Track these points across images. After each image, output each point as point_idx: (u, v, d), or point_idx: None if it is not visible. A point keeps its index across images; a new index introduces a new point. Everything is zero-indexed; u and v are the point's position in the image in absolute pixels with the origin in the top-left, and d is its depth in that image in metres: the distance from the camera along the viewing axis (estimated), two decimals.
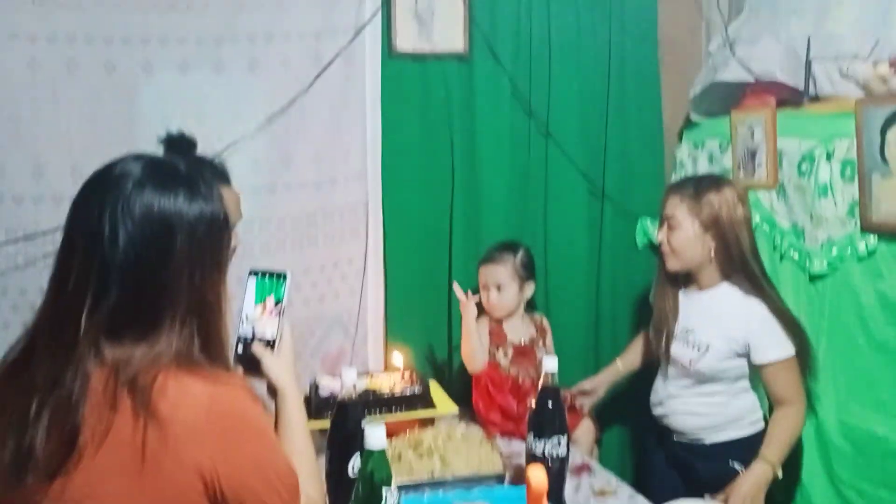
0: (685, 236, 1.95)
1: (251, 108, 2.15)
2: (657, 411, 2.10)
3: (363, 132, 2.30)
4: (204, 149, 1.88)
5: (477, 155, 2.40)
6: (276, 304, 1.21)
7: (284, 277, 1.22)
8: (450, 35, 2.33)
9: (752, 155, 2.20)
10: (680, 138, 2.59)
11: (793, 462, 2.03)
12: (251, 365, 1.20)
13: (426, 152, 2.38)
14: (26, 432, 0.91)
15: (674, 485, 1.93)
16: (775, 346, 1.89)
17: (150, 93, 2.08)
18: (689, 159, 2.50)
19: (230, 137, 2.12)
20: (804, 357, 1.93)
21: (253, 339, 1.21)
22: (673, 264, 2.00)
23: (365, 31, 2.24)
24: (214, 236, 1.03)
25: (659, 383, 2.12)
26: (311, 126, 2.23)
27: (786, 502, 2.10)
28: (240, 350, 1.21)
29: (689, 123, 2.55)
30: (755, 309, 1.90)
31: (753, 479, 1.82)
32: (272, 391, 1.21)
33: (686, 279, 2.06)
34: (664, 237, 2.00)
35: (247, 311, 1.22)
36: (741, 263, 1.93)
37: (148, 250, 0.96)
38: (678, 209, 1.96)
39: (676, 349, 2.01)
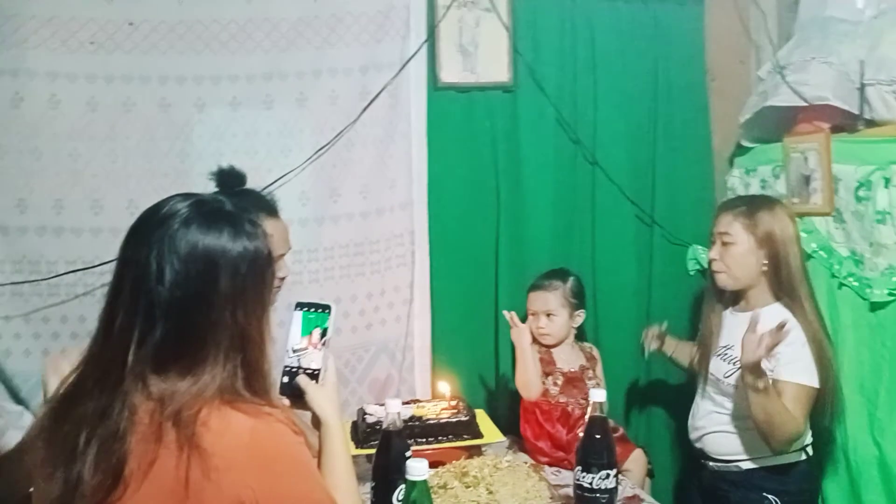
0: (740, 252, 1.96)
1: (300, 141, 2.21)
2: (694, 435, 2.07)
3: (409, 163, 2.33)
4: (255, 182, 1.94)
5: (522, 184, 2.41)
6: (321, 336, 1.24)
7: (329, 310, 1.25)
8: (494, 66, 2.36)
9: (807, 181, 2.16)
10: (731, 164, 2.55)
11: (854, 494, 1.98)
12: (296, 396, 1.22)
13: (471, 182, 2.39)
14: (75, 463, 0.94)
15: None
16: (797, 369, 1.84)
17: (203, 129, 2.16)
18: (741, 185, 2.46)
19: (280, 171, 2.18)
20: (827, 397, 1.88)
21: (298, 370, 1.23)
22: (725, 281, 2.00)
23: (410, 64, 2.29)
24: (257, 273, 1.05)
25: (697, 403, 2.08)
26: (357, 158, 2.27)
27: None
28: (285, 381, 1.23)
29: (740, 149, 2.50)
30: (794, 329, 1.85)
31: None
32: (316, 422, 1.22)
33: (734, 299, 2.05)
34: (717, 254, 2.00)
35: (292, 344, 1.24)
36: (789, 283, 1.92)
37: (193, 287, 0.99)
38: (732, 226, 1.97)
39: (714, 364, 2.01)
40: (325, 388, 1.22)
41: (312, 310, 1.25)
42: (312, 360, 1.22)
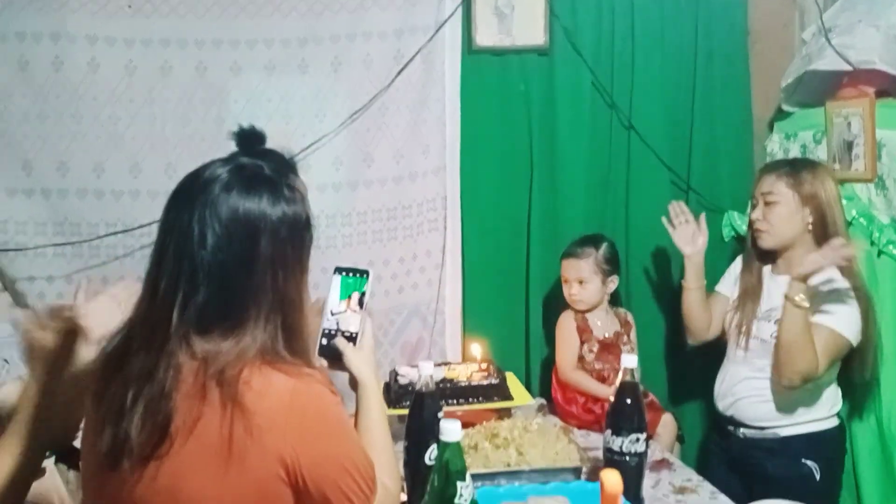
0: (785, 210, 1.96)
1: (334, 106, 2.22)
2: (722, 401, 2.06)
3: (442, 128, 2.32)
4: (289, 146, 1.94)
5: (557, 149, 2.39)
6: (359, 299, 1.26)
7: (367, 275, 1.28)
8: (530, 29, 2.33)
9: (849, 147, 2.11)
10: (770, 129, 2.50)
11: (887, 464, 1.97)
12: (334, 357, 1.25)
13: (505, 147, 2.38)
14: (122, 421, 0.98)
15: (734, 491, 1.81)
16: (837, 318, 1.85)
17: (239, 93, 2.17)
18: (781, 150, 2.41)
19: (314, 135, 2.19)
20: (864, 354, 1.89)
21: (336, 332, 1.26)
22: (768, 242, 2.00)
23: (445, 27, 2.27)
24: (296, 236, 1.07)
25: (728, 371, 2.07)
26: (391, 123, 2.27)
27: None
28: (324, 343, 1.26)
29: (780, 114, 2.45)
30: (840, 281, 1.87)
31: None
32: (353, 383, 1.25)
33: (775, 262, 2.04)
34: (761, 214, 2.00)
35: (331, 307, 1.27)
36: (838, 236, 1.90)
37: (234, 251, 1.01)
38: (776, 185, 1.97)
39: (759, 327, 2.00)
40: (363, 350, 1.25)
41: (351, 274, 1.28)
42: (350, 323, 1.25)
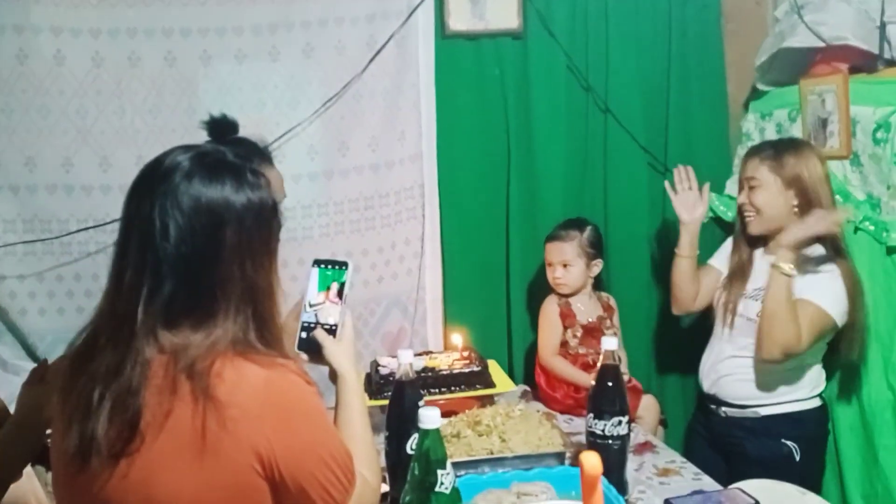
0: (769, 194, 1.96)
1: (307, 94, 2.19)
2: (708, 380, 2.07)
3: (418, 115, 2.30)
4: (262, 136, 1.91)
5: (533, 134, 2.37)
6: (338, 292, 1.24)
7: (346, 266, 1.26)
8: (503, 13, 2.30)
9: (824, 124, 2.12)
10: (746, 109, 2.50)
11: (867, 439, 1.99)
12: (314, 351, 1.23)
13: (481, 132, 2.36)
14: (90, 419, 0.95)
15: (717, 469, 1.83)
16: (824, 296, 1.86)
17: (209, 83, 2.14)
18: (756, 130, 2.41)
19: (287, 124, 2.16)
20: (851, 335, 1.90)
21: (315, 325, 1.24)
22: (756, 227, 2.01)
23: (418, 12, 2.24)
24: (263, 224, 1.04)
25: (714, 347, 2.08)
26: (366, 110, 2.24)
27: (864, 485, 2.04)
28: (303, 336, 1.24)
29: (755, 93, 2.45)
30: (828, 265, 1.89)
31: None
32: (333, 376, 1.23)
33: (765, 243, 2.04)
34: (745, 198, 2.00)
35: (309, 299, 1.25)
36: None
37: (198, 242, 0.98)
38: (759, 170, 1.97)
39: (745, 305, 2.00)
40: (343, 342, 1.22)
41: (329, 266, 1.26)
42: (330, 315, 1.23)
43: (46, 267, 2.13)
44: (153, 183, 1.00)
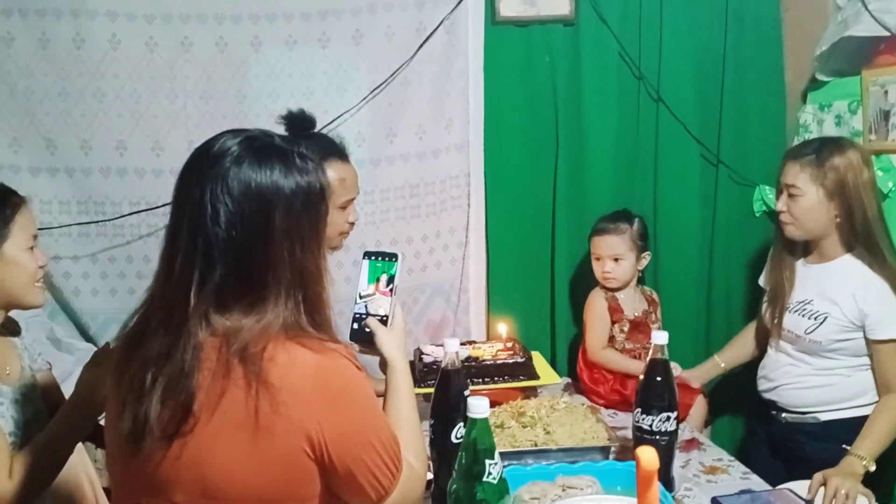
0: (809, 204, 1.85)
1: (355, 80, 2.19)
2: (765, 385, 2.02)
3: (466, 102, 2.28)
4: (339, 132, 1.92)
5: (583, 123, 2.34)
6: (389, 283, 1.27)
7: (396, 258, 1.28)
8: None
9: (886, 116, 2.04)
10: (804, 99, 2.42)
11: None
12: (365, 341, 1.25)
13: (530, 121, 2.33)
14: (142, 402, 0.97)
15: (778, 474, 1.79)
16: (892, 324, 1.78)
17: (259, 69, 2.15)
18: (814, 122, 2.34)
19: (336, 111, 2.17)
20: None
21: (366, 316, 1.26)
22: (793, 233, 1.92)
23: None
24: (312, 208, 1.04)
25: (770, 357, 2.03)
26: (413, 97, 2.24)
27: None
28: (354, 327, 1.26)
29: (814, 83, 2.37)
30: (876, 282, 1.80)
31: (842, 473, 1.67)
32: (383, 365, 1.24)
33: (805, 249, 1.97)
34: (785, 206, 1.90)
35: (361, 290, 1.28)
36: (865, 232, 1.82)
37: (248, 226, 0.99)
38: (799, 177, 1.85)
39: (791, 321, 1.93)
40: (393, 331, 1.25)
41: (379, 258, 1.29)
42: (380, 307, 1.26)
43: (99, 248, 2.17)
44: (203, 168, 1.00)
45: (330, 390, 0.98)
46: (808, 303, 1.90)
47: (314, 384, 0.97)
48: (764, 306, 2.06)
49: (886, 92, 2.03)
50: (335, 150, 1.72)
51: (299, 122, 1.66)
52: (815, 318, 1.87)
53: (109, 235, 2.16)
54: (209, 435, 0.96)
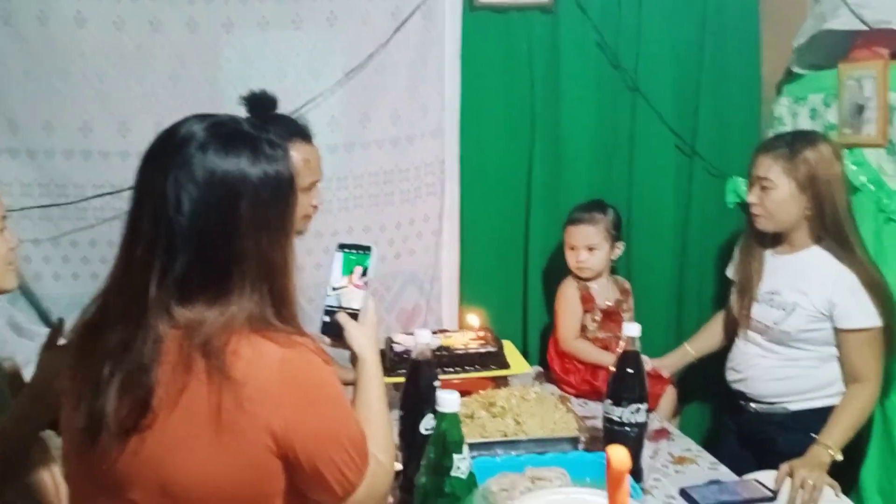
0: (781, 197, 1.88)
1: (329, 64, 2.14)
2: (733, 376, 2.04)
3: (442, 88, 2.25)
4: (283, 107, 1.87)
5: (560, 111, 2.32)
6: (362, 275, 1.24)
7: (370, 250, 1.25)
8: None
9: (860, 110, 2.05)
10: (779, 92, 2.42)
11: (886, 432, 1.96)
12: (336, 334, 1.22)
13: (506, 109, 2.31)
14: (99, 398, 0.93)
15: (746, 464, 1.81)
16: (860, 314, 1.81)
17: (231, 51, 2.10)
18: (789, 115, 2.34)
19: (309, 94, 2.12)
20: (890, 335, 1.84)
21: (338, 309, 1.23)
22: (765, 225, 1.94)
23: None
24: (280, 197, 1.01)
25: (738, 348, 2.05)
26: (389, 82, 2.20)
27: (881, 479, 2.00)
28: (326, 320, 1.24)
29: (790, 76, 2.37)
30: (844, 274, 1.83)
31: (809, 463, 1.70)
32: (354, 360, 1.22)
33: (774, 241, 1.99)
34: (757, 198, 1.92)
35: (333, 282, 1.25)
36: (834, 225, 1.86)
37: (213, 216, 0.95)
38: (771, 170, 1.88)
39: (759, 311, 1.96)
40: (365, 326, 1.22)
41: (353, 250, 1.26)
42: (353, 300, 1.23)
43: (62, 232, 2.12)
44: (167, 153, 0.97)
45: (296, 385, 0.95)
46: (777, 293, 1.92)
47: (280, 379, 0.94)
48: (732, 297, 2.08)
49: (862, 86, 2.04)
50: (298, 131, 1.68)
51: (261, 103, 1.61)
52: (784, 309, 1.90)
53: (72, 219, 2.10)
54: (169, 431, 0.93)
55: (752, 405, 1.99)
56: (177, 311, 0.95)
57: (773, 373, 1.94)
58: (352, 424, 1.02)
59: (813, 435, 1.79)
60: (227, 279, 0.96)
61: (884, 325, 1.83)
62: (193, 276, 0.95)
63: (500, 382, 1.96)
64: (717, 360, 2.15)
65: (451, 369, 1.91)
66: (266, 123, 1.11)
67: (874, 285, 1.82)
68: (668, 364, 2.17)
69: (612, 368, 1.56)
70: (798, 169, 1.85)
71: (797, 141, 1.89)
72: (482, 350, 1.96)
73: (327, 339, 1.24)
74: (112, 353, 0.94)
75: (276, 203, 1.00)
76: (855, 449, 1.89)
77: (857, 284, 1.82)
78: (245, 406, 0.92)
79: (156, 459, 0.93)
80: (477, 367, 1.94)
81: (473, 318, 2.13)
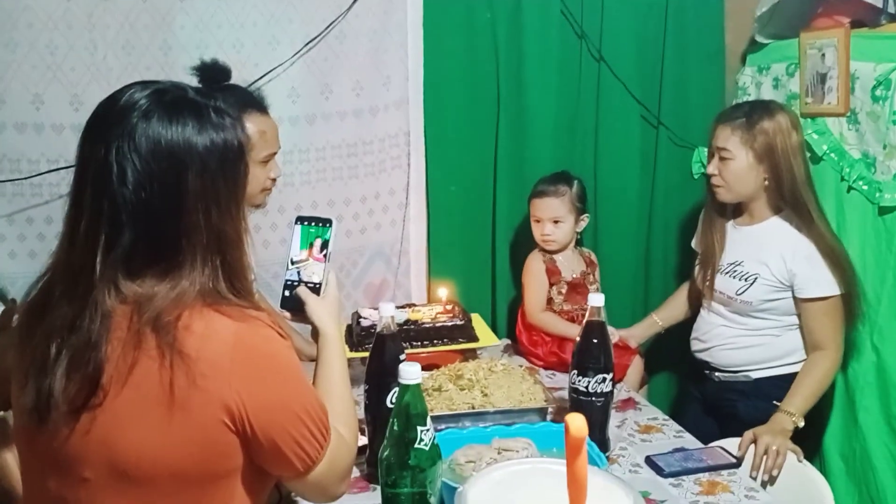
0: (739, 168, 1.89)
1: (288, 33, 2.09)
2: (698, 346, 2.06)
3: (405, 58, 2.22)
4: (241, 78, 1.83)
5: (524, 81, 2.29)
6: (322, 248, 1.22)
7: (330, 224, 1.23)
8: None
9: (822, 79, 2.06)
10: (743, 62, 2.43)
11: (849, 399, 2.00)
12: (297, 309, 1.21)
13: (470, 79, 2.28)
14: (47, 376, 0.91)
15: (710, 432, 1.84)
16: (819, 283, 1.84)
17: (186, 18, 2.03)
18: (753, 84, 2.35)
19: (268, 65, 2.07)
20: (851, 302, 1.87)
21: (298, 283, 1.22)
22: (725, 196, 1.96)
23: None
24: (228, 167, 0.97)
25: (703, 318, 2.07)
26: (350, 52, 2.15)
27: (842, 444, 2.04)
28: (286, 294, 1.22)
29: (753, 45, 2.38)
30: (803, 244, 1.85)
31: (772, 430, 1.73)
32: (315, 334, 1.20)
33: (735, 212, 2.01)
34: (716, 169, 1.93)
35: (293, 256, 1.23)
36: (793, 195, 1.87)
37: (158, 187, 0.92)
38: (730, 140, 1.89)
39: (722, 283, 1.98)
40: (326, 300, 1.20)
41: (313, 223, 1.24)
42: (313, 274, 1.21)
43: (16, 209, 2.05)
44: (108, 123, 0.92)
45: (250, 360, 0.93)
46: (739, 264, 1.94)
47: (233, 354, 0.91)
48: (696, 269, 2.09)
49: (823, 55, 2.04)
50: (253, 102, 1.64)
51: (213, 74, 1.57)
52: (746, 280, 1.91)
53: (27, 195, 2.03)
54: (119, 409, 0.90)
55: (717, 374, 2.02)
56: (125, 286, 0.92)
57: (736, 342, 1.96)
58: (308, 397, 1.00)
59: (775, 403, 1.82)
60: (176, 252, 0.93)
61: (844, 293, 1.85)
62: (141, 250, 0.92)
63: (469, 355, 1.95)
64: (683, 331, 2.17)
65: (419, 343, 1.91)
66: (218, 94, 1.07)
67: (833, 254, 1.84)
68: (635, 335, 2.19)
69: (578, 338, 1.56)
70: (755, 139, 1.86)
71: (755, 111, 1.90)
72: (450, 323, 1.95)
73: (287, 314, 1.23)
74: (58, 330, 0.91)
75: (225, 173, 0.97)
76: (817, 416, 1.93)
77: (816, 254, 1.84)
78: (198, 382, 0.89)
79: (107, 438, 0.91)
80: (445, 340, 1.94)
81: (443, 292, 2.12)
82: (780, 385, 1.86)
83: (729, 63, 2.45)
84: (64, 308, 0.92)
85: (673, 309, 2.23)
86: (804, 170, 1.88)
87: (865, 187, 1.95)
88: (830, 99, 2.04)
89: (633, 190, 2.42)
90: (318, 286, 1.21)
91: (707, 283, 2.02)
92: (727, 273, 1.97)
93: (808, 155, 1.97)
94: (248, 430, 0.93)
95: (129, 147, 0.91)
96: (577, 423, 0.85)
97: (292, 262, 1.23)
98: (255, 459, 0.96)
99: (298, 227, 1.24)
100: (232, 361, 0.91)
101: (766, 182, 1.89)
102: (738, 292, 1.92)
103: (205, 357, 0.90)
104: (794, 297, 1.88)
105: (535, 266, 2.17)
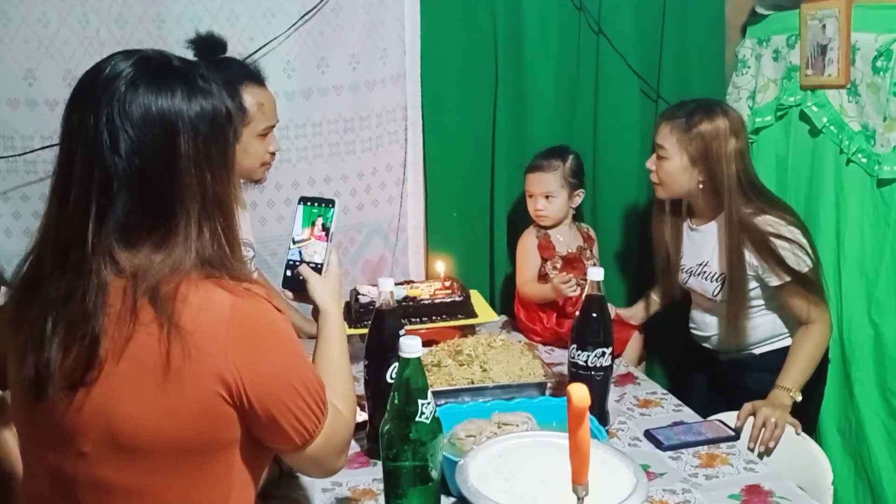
0: (673, 168, 1.88)
1: (283, 6, 2.06)
2: (697, 334, 2.06)
3: (402, 31, 2.19)
4: (236, 51, 1.80)
5: (522, 54, 2.27)
6: (324, 229, 1.22)
7: (332, 205, 1.23)
8: None
9: (823, 51, 2.05)
10: (743, 34, 2.40)
11: (845, 373, 2.01)
12: (298, 288, 1.22)
13: (468, 52, 2.25)
14: (44, 351, 0.90)
15: (720, 409, 1.82)
16: (781, 269, 1.80)
17: None
18: (752, 57, 2.33)
19: (263, 38, 2.04)
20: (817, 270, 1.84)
21: (300, 262, 1.22)
22: (661, 193, 1.96)
23: None
24: (219, 132, 0.97)
25: (695, 312, 2.06)
26: (346, 25, 2.13)
27: (839, 417, 2.06)
28: (288, 274, 1.23)
29: (753, 17, 2.36)
30: (757, 235, 1.81)
31: (771, 403, 1.73)
32: (316, 313, 1.20)
33: (688, 211, 1.99)
34: (653, 165, 1.92)
35: (295, 236, 1.24)
36: (731, 197, 1.82)
37: (152, 155, 0.91)
38: (667, 139, 1.88)
39: (697, 284, 1.97)
40: (327, 279, 1.20)
41: (315, 204, 1.24)
42: (315, 254, 1.22)
43: (11, 186, 2.03)
44: (95, 92, 0.91)
45: (247, 332, 0.92)
46: (706, 265, 1.93)
47: (229, 326, 0.91)
48: (658, 271, 2.11)
49: (824, 26, 2.03)
50: (250, 75, 1.62)
51: (209, 46, 1.55)
52: (716, 280, 1.91)
53: (21, 172, 2.01)
54: (116, 382, 0.90)
55: (721, 355, 2.01)
56: (121, 257, 0.91)
57: (732, 331, 1.93)
58: (307, 372, 1.00)
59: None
60: (171, 219, 0.92)
61: (812, 265, 1.81)
62: (135, 219, 0.91)
63: (468, 332, 1.95)
64: (682, 310, 2.16)
65: (417, 319, 1.90)
66: (215, 67, 1.06)
67: (785, 237, 1.79)
68: (634, 314, 2.18)
69: (577, 313, 1.56)
70: (691, 143, 1.83)
71: (696, 113, 1.86)
72: (448, 300, 1.95)
73: (289, 294, 1.24)
74: (53, 303, 0.91)
75: (216, 138, 0.96)
76: (814, 391, 1.93)
77: (768, 244, 1.79)
78: (193, 355, 0.89)
79: (104, 411, 0.91)
80: (444, 316, 1.93)
81: (440, 267, 2.11)
82: (784, 357, 1.86)
83: (729, 35, 2.42)
84: (57, 280, 0.91)
85: (671, 288, 2.21)
86: (746, 174, 1.83)
87: (864, 160, 1.95)
88: (831, 70, 2.02)
89: (632, 164, 2.40)
90: (319, 267, 1.21)
91: (684, 287, 2.01)
92: (699, 275, 1.95)
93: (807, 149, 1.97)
94: (245, 402, 0.93)
95: (120, 115, 0.90)
96: (580, 392, 0.85)
97: (294, 242, 1.23)
98: (252, 432, 0.96)
99: (301, 208, 1.25)
100: (228, 334, 0.91)
101: (702, 185, 1.86)
102: (714, 294, 1.91)
103: (201, 329, 0.90)
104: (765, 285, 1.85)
105: (527, 241, 2.16)
